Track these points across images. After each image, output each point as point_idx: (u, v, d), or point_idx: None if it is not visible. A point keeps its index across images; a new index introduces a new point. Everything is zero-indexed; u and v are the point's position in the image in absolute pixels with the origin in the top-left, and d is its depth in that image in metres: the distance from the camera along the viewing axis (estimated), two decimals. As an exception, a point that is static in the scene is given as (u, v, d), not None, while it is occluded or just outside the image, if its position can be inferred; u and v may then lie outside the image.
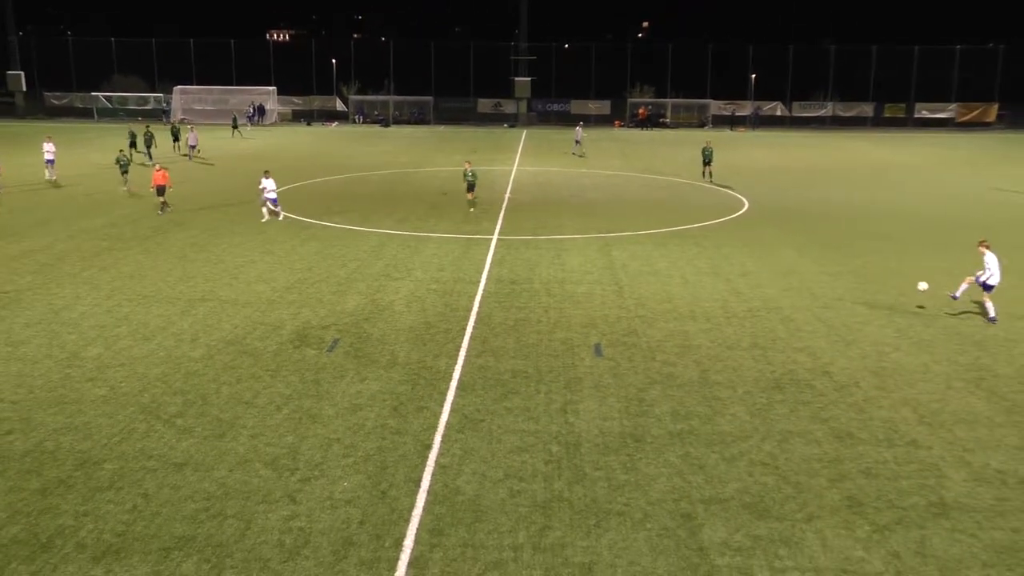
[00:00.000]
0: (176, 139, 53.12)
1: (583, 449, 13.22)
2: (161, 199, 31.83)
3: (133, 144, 48.68)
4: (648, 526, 11.07)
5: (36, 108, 76.73)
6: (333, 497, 11.73)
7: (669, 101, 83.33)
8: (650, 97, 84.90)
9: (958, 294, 20.11)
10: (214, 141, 54.29)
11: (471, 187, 33.45)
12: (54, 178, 38.77)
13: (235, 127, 62.90)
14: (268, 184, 29.99)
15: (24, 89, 76.01)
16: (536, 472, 12.48)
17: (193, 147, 49.78)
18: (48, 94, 78.39)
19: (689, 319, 19.90)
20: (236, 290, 21.87)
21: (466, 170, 33.76)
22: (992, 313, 19.77)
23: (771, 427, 14.05)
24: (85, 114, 76.21)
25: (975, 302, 20.71)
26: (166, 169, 32.46)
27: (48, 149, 38.67)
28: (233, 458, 12.80)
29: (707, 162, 42.43)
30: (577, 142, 56.36)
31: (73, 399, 14.92)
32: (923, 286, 20.39)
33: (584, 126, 61.08)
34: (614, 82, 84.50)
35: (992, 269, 19.50)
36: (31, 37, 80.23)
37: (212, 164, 47.47)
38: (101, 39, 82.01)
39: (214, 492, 11.81)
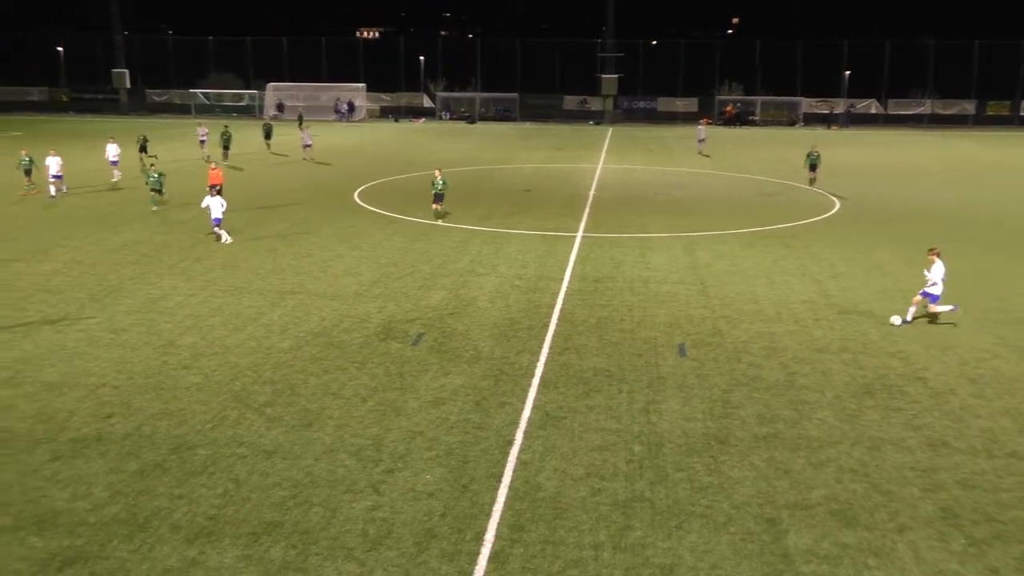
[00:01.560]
0: (268, 137, 51.94)
1: (665, 450, 13.10)
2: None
3: (268, 136, 50.74)
4: (731, 530, 10.91)
5: (138, 104, 79.63)
6: (416, 489, 11.88)
7: (758, 99, 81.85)
8: (738, 94, 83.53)
9: (909, 318, 19.31)
10: (284, 137, 55.23)
11: (439, 197, 30.21)
12: (117, 179, 38.21)
13: (300, 124, 63.18)
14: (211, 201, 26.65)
15: (128, 86, 78.93)
16: (617, 471, 12.42)
17: (308, 146, 48.20)
18: (149, 91, 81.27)
19: (776, 320, 19.52)
20: (324, 283, 22.32)
21: (435, 178, 30.30)
22: (909, 317, 19.20)
23: (861, 433, 13.68)
24: (183, 110, 78.78)
25: (1082, 309, 19.78)
26: (221, 168, 32.15)
27: (112, 151, 38.66)
28: (319, 447, 13.08)
29: (812, 167, 38.84)
30: (701, 140, 54.74)
31: (169, 386, 15.45)
32: (896, 320, 19.38)
33: (707, 124, 59.77)
34: (701, 79, 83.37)
35: (935, 278, 18.87)
36: (135, 36, 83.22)
37: (329, 164, 46.46)
38: (199, 38, 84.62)
39: (301, 480, 12.09)
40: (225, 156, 44.86)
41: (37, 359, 16.68)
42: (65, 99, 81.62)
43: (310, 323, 19.06)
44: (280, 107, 77.30)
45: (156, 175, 30.98)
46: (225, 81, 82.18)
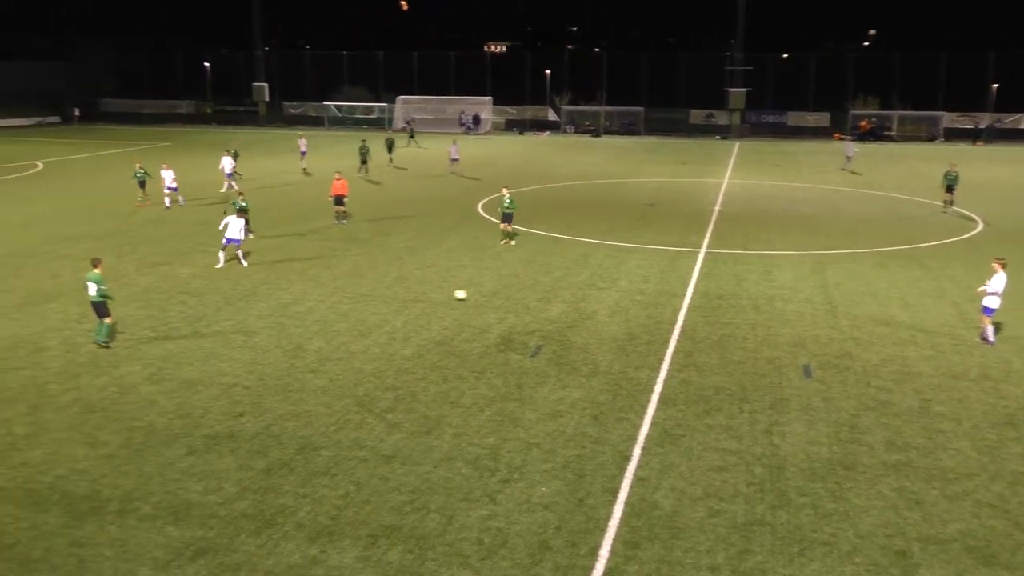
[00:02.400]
0: (390, 150, 51.57)
1: (788, 473, 12.71)
2: (340, 208, 31.83)
3: (391, 150, 50.91)
4: (856, 560, 10.49)
5: (275, 117, 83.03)
6: (531, 501, 11.91)
7: (895, 113, 78.71)
8: (874, 108, 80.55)
9: (992, 338, 18.51)
10: (410, 151, 56.47)
11: (507, 217, 28.80)
12: (232, 189, 38.61)
13: (411, 136, 63.75)
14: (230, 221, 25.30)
15: (267, 99, 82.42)
16: (737, 493, 12.13)
17: (455, 160, 47.62)
18: (286, 104, 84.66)
19: (910, 344, 18.69)
20: (446, 293, 22.68)
21: (503, 197, 29.17)
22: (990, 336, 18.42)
23: (1002, 466, 12.93)
24: (317, 122, 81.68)
25: None
26: (345, 179, 32.41)
27: (227, 163, 39.64)
28: (438, 455, 13.28)
29: (949, 188, 36.30)
30: (848, 157, 52.21)
31: (297, 388, 16.00)
32: (461, 294, 19.89)
33: (855, 140, 57.36)
34: (834, 93, 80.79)
35: (994, 289, 18.04)
36: (275, 52, 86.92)
37: (477, 179, 44.78)
38: (334, 52, 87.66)
39: (419, 486, 12.30)
40: (362, 170, 44.84)
41: (177, 357, 17.57)
42: (209, 112, 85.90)
43: (432, 332, 19.40)
44: (409, 120, 79.20)
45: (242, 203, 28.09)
46: (357, 94, 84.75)
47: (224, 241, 25.09)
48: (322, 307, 21.28)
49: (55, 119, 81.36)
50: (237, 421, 14.51)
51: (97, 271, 17.89)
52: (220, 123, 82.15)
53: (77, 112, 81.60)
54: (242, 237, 25.24)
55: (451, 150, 48.70)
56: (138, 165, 36.38)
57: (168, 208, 34.52)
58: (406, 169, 48.36)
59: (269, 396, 15.60)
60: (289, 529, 11.18)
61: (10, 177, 44.79)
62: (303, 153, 48.50)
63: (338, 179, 31.95)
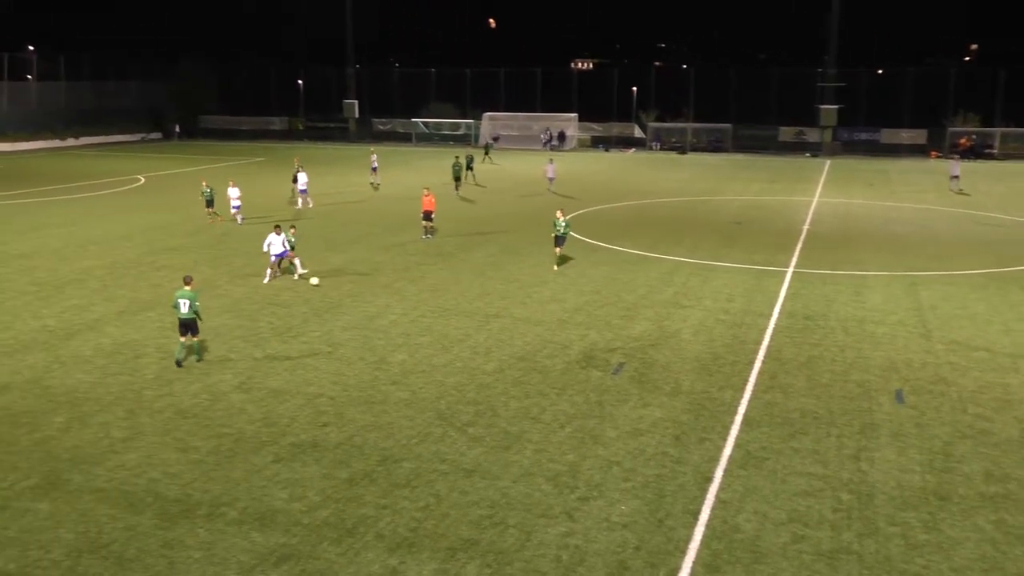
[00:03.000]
0: (469, 167, 49.73)
1: (877, 501, 12.32)
2: (427, 223, 32.04)
3: (470, 167, 49.64)
4: (949, 594, 10.09)
5: (365, 133, 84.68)
6: (610, 519, 11.82)
7: (997, 130, 75.86)
8: (974, 126, 77.78)
9: None
10: (481, 166, 56.81)
11: (560, 240, 27.46)
12: (310, 206, 39.47)
13: (487, 153, 63.41)
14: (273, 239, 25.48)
15: (357, 116, 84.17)
16: (823, 519, 11.81)
17: (552, 179, 46.52)
18: (375, 120, 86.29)
19: (1011, 371, 17.94)
20: (528, 308, 22.75)
21: (557, 220, 27.70)
22: None
23: (1107, 501, 12.29)
24: (405, 138, 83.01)
25: None
26: (433, 195, 32.66)
27: (302, 180, 39.80)
28: (517, 470, 13.30)
29: None
30: (954, 177, 48.73)
31: (379, 400, 16.24)
32: (315, 280, 19.74)
33: (959, 158, 54.48)
34: (932, 110, 78.29)
35: None
36: (365, 69, 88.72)
37: (572, 197, 43.54)
38: (422, 70, 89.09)
39: (498, 501, 12.33)
40: (457, 187, 44.60)
41: (265, 367, 18.03)
42: (301, 127, 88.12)
43: (513, 347, 19.47)
44: (495, 137, 79.82)
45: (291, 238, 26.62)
46: (444, 111, 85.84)
47: (272, 259, 25.27)
48: (406, 320, 21.57)
49: (157, 135, 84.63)
50: (322, 431, 14.80)
51: (190, 288, 17.94)
52: (312, 139, 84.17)
53: (178, 128, 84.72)
54: (287, 249, 25.39)
55: (547, 169, 47.52)
56: (204, 183, 36.99)
57: (240, 224, 34.61)
58: (484, 187, 48.03)
59: (353, 407, 15.87)
60: (369, 539, 11.33)
61: (114, 191, 46.74)
62: (374, 168, 49.21)
63: (427, 195, 32.38)
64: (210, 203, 35.42)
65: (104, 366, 18.09)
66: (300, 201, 39.93)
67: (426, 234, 32.22)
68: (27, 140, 73.04)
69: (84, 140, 77.26)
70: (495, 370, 17.94)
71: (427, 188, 33.41)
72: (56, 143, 75.05)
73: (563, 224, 27.44)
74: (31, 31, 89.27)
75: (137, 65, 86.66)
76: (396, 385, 17.04)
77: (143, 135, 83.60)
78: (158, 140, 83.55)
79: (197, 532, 11.51)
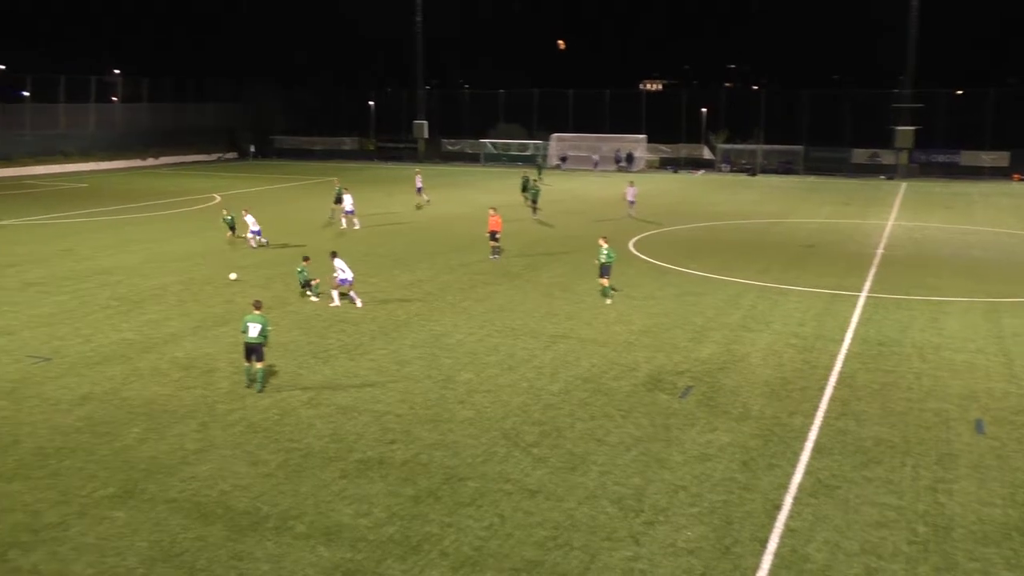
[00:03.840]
0: (525, 189, 48.39)
1: (955, 534, 11.93)
2: (494, 243, 32.07)
3: (526, 188, 48.83)
4: (1032, 634, 9.70)
5: (433, 153, 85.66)
6: (676, 545, 11.66)
7: (1086, 153, 73.22)
8: (1060, 148, 75.20)
9: None
10: (555, 187, 56.62)
11: (606, 270, 25.73)
12: (356, 227, 39.44)
13: (539, 173, 62.25)
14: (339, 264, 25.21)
15: (426, 136, 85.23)
16: (897, 551, 11.48)
17: (632, 203, 44.44)
18: (444, 140, 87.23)
19: (1097, 402, 17.24)
20: (595, 329, 22.66)
21: (601, 248, 25.81)
22: None
23: None
24: (473, 159, 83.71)
25: None
26: (499, 215, 32.66)
27: (348, 201, 39.63)
28: (582, 492, 13.22)
29: None
30: None
31: (446, 418, 16.33)
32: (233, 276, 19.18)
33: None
34: (1016, 131, 75.90)
35: None
36: (435, 91, 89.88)
37: (653, 222, 42.33)
38: (491, 91, 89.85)
39: (562, 522, 12.27)
40: (534, 211, 43.86)
41: (334, 383, 18.29)
42: (372, 148, 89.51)
43: (579, 368, 19.40)
44: (563, 158, 79.96)
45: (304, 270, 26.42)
46: (512, 131, 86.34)
47: (338, 282, 24.97)
48: (472, 340, 21.67)
49: (233, 155, 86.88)
50: (388, 448, 14.93)
51: (259, 313, 17.89)
52: (382, 159, 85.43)
53: (253, 149, 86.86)
54: (351, 276, 25.00)
55: (627, 192, 45.16)
56: (224, 210, 36.69)
57: (254, 248, 33.97)
58: (541, 208, 45.83)
59: (419, 425, 15.98)
60: (434, 557, 11.37)
61: (191, 208, 48.07)
62: (419, 188, 49.33)
63: (493, 215, 32.57)
64: (232, 228, 35.10)
65: (179, 379, 18.56)
66: (345, 221, 39.90)
67: (493, 254, 32.37)
68: (111, 160, 75.70)
69: (164, 159, 79.74)
70: (561, 391, 17.90)
71: (493, 208, 33.56)
72: (137, 162, 77.59)
73: (605, 252, 25.54)
74: (118, 55, 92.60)
75: (215, 87, 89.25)
76: (462, 404, 17.12)
77: (219, 155, 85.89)
78: (233, 160, 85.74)
79: (266, 545, 11.69)
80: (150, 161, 78.71)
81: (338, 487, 13.40)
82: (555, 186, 58.54)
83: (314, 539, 11.84)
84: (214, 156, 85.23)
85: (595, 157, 78.05)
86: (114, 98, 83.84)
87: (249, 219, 35.07)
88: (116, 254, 33.26)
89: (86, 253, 33.37)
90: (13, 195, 54.27)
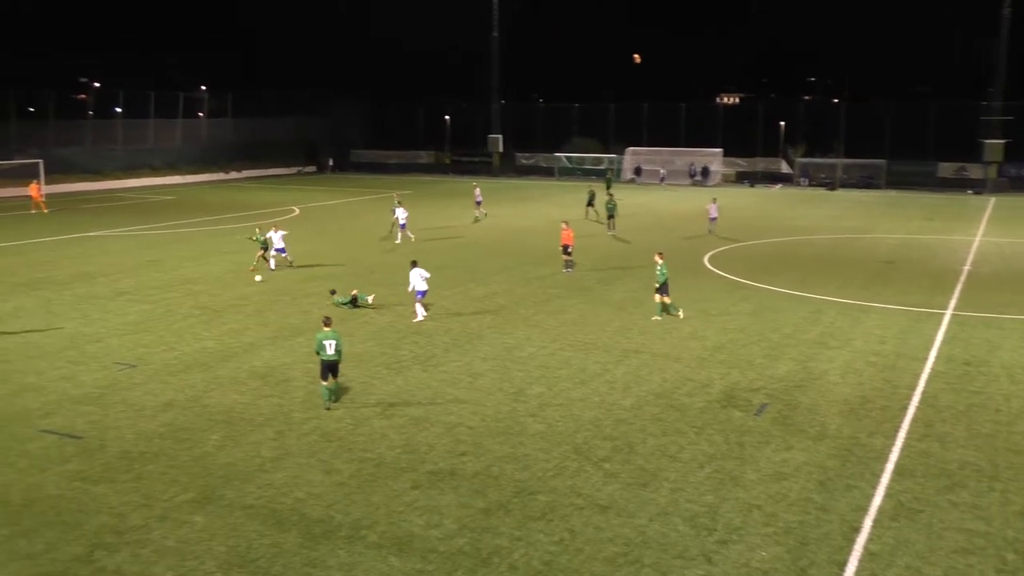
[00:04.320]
0: (590, 204, 49.16)
1: (1045, 564, 11.44)
2: (567, 257, 32.04)
3: (591, 202, 49.46)
4: None
5: (508, 167, 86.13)
6: (749, 565, 11.45)
7: None
8: None
9: None
10: (630, 201, 56.11)
11: (663, 288, 25.03)
12: (412, 239, 39.42)
13: (608, 187, 61.46)
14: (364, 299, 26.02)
15: (500, 150, 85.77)
16: (983, 580, 11.05)
17: (714, 219, 43.01)
18: (519, 154, 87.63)
19: None
20: (668, 344, 22.44)
21: (658, 264, 25.00)
22: None
23: None
24: (547, 172, 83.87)
25: None
26: (571, 229, 32.64)
27: (401, 215, 39.63)
28: (654, 508, 13.08)
29: None
30: None
31: (516, 431, 16.34)
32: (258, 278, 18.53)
33: None
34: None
35: None
36: (509, 104, 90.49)
37: (728, 237, 41.47)
38: (565, 105, 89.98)
39: (633, 539, 12.15)
40: (610, 226, 42.99)
41: (407, 394, 18.47)
42: (447, 162, 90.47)
43: (652, 383, 19.23)
44: (638, 171, 79.59)
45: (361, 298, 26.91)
46: (586, 145, 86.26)
47: (417, 295, 25.09)
48: (544, 353, 21.66)
49: (311, 168, 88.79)
50: (459, 459, 15.00)
51: (331, 329, 17.72)
52: (457, 173, 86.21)
53: (331, 162, 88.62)
54: (427, 288, 25.09)
55: (710, 208, 43.51)
56: (257, 229, 34.58)
57: (272, 270, 32.54)
58: (604, 224, 45.36)
59: (490, 437, 16.03)
60: (503, 570, 11.36)
61: (269, 221, 49.19)
62: (478, 202, 49.24)
63: (565, 228, 32.57)
64: (264, 248, 33.12)
65: (257, 388, 18.98)
66: (400, 236, 39.87)
67: (566, 267, 32.33)
68: (196, 173, 78.15)
69: (245, 173, 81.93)
70: (633, 406, 17.76)
71: (565, 222, 33.55)
72: (221, 176, 79.88)
73: (659, 269, 24.78)
74: (204, 71, 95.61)
75: (297, 102, 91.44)
76: (533, 417, 17.11)
77: (299, 168, 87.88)
78: (312, 173, 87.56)
79: (338, 553, 11.85)
80: (233, 175, 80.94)
81: (410, 497, 13.52)
82: (627, 200, 58.15)
83: (386, 549, 11.95)
84: (294, 169, 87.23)
85: (662, 171, 77.17)
86: (200, 114, 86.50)
87: (276, 236, 33.40)
88: (200, 264, 34.23)
89: (172, 264, 34.42)
90: (105, 207, 56.37)
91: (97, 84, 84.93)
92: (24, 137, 68.82)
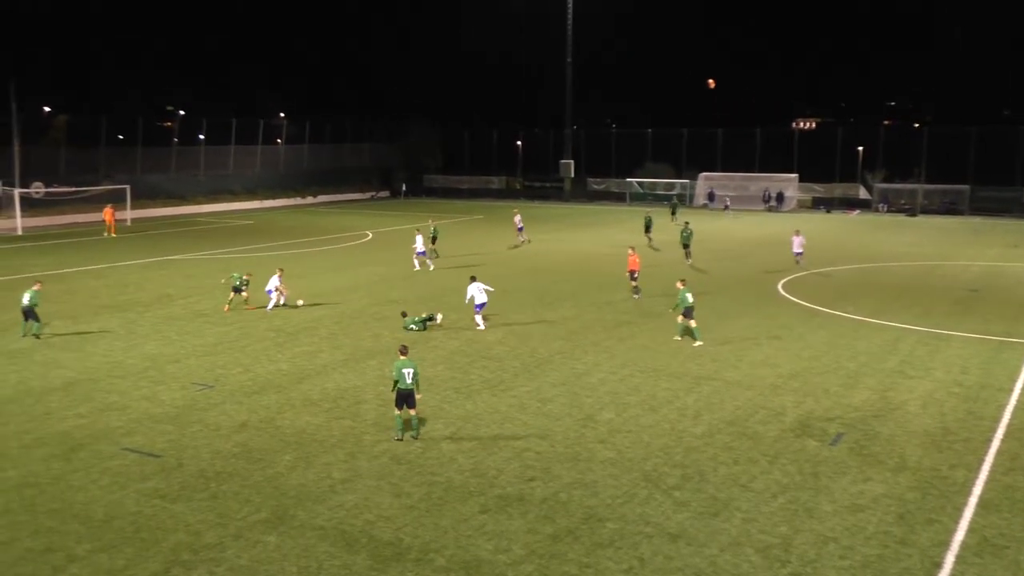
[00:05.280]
0: (648, 230, 49.30)
1: None
2: (633, 283, 32.07)
3: (649, 228, 49.53)
4: None
5: (579, 192, 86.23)
6: (824, 600, 11.13)
7: None
8: None
9: None
10: (702, 226, 55.26)
11: (688, 312, 25.29)
12: (431, 267, 39.27)
13: (673, 213, 60.67)
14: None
15: (572, 175, 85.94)
16: (1073, 622, 10.55)
17: (799, 253, 40.16)
18: (590, 179, 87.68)
19: None
20: (740, 372, 22.09)
21: (680, 289, 25.53)
22: None
23: None
24: (619, 198, 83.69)
25: None
26: (638, 255, 32.76)
27: (419, 241, 39.30)
28: (725, 538, 12.84)
29: None
30: None
31: (585, 457, 16.24)
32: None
33: None
34: None
35: None
36: (582, 130, 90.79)
37: (811, 267, 39.76)
38: (639, 130, 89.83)
39: (704, 569, 11.94)
40: (687, 255, 41.57)
41: (476, 418, 18.53)
42: (519, 187, 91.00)
43: (723, 411, 18.93)
44: (711, 196, 78.88)
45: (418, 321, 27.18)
46: (660, 171, 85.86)
47: (476, 308, 26.88)
48: (614, 379, 21.52)
49: (385, 193, 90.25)
50: (528, 484, 14.96)
51: (407, 358, 17.56)
52: (528, 198, 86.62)
53: (404, 187, 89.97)
54: (486, 300, 27.00)
55: (793, 242, 40.63)
56: (235, 274, 32.01)
57: (268, 311, 30.27)
58: (659, 250, 45.64)
59: (558, 463, 15.96)
60: (571, 597, 11.27)
61: (345, 245, 50.10)
62: (520, 228, 49.16)
63: (632, 254, 32.64)
64: (237, 290, 30.81)
65: (329, 409, 19.26)
66: (417, 263, 39.40)
67: (636, 293, 32.16)
68: (274, 198, 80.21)
69: (321, 198, 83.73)
70: (704, 434, 17.50)
71: (632, 247, 33.51)
72: (297, 200, 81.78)
73: (680, 295, 25.29)
74: (283, 98, 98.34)
75: (372, 128, 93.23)
76: (602, 443, 16.99)
77: (372, 193, 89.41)
78: (386, 198, 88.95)
79: None
80: (308, 199, 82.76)
81: (478, 522, 13.52)
82: (697, 227, 57.63)
83: (454, 572, 11.96)
84: (368, 195, 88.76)
85: (727, 199, 75.73)
86: (279, 140, 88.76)
87: (274, 279, 31.05)
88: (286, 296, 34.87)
89: (250, 286, 35.12)
90: (187, 231, 58.15)
91: (182, 112, 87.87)
92: (113, 163, 71.53)
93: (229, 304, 30.64)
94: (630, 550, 12.53)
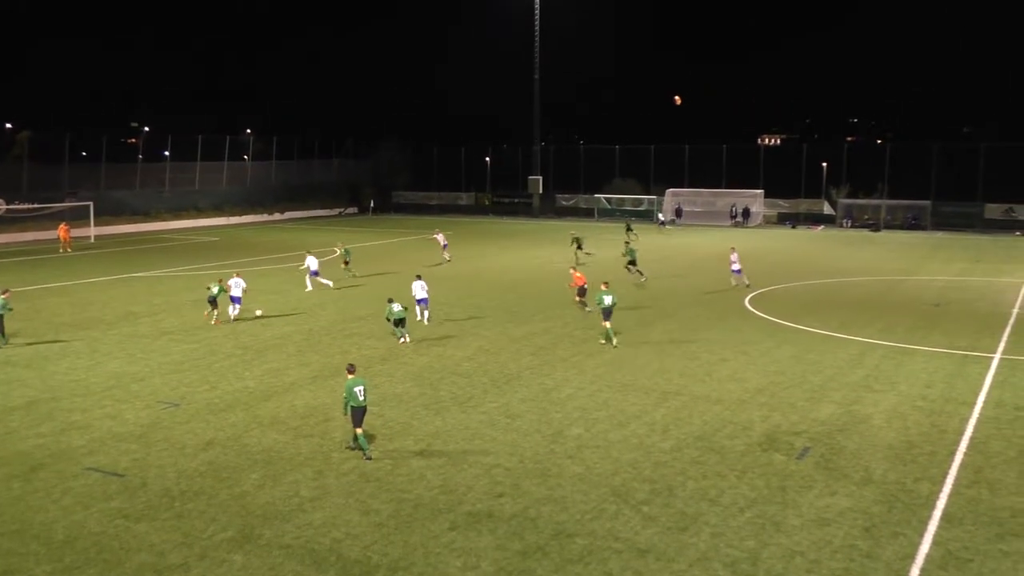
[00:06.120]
0: (579, 247, 49.01)
1: (1101, 617, 11.04)
2: (581, 299, 32.29)
3: (580, 246, 48.69)
4: None
5: (548, 208, 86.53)
6: (792, 613, 11.19)
7: None
8: None
9: None
10: (675, 240, 55.74)
11: (607, 314, 26.80)
12: (330, 284, 38.09)
13: (628, 231, 60.33)
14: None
15: (540, 191, 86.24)
16: (1036, 633, 10.69)
17: (739, 272, 38.44)
18: (559, 195, 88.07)
19: None
20: (708, 386, 22.22)
21: (602, 291, 27.04)
22: None
23: None
24: (588, 213, 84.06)
25: None
26: (581, 274, 33.31)
27: (311, 262, 38.07)
28: (693, 553, 12.88)
29: None
30: None
31: (554, 473, 16.23)
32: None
33: None
34: None
35: None
36: (551, 146, 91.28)
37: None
38: (606, 146, 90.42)
39: (673, 584, 11.94)
40: (635, 272, 40.49)
41: (445, 435, 18.46)
42: (488, 203, 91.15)
43: (692, 426, 19.03)
44: (678, 212, 79.47)
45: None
46: (627, 187, 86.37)
47: (418, 302, 29.37)
48: (582, 394, 21.56)
49: (353, 210, 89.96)
50: (496, 501, 14.92)
51: (355, 376, 17.35)
52: (497, 214, 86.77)
53: (372, 204, 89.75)
54: (426, 296, 29.72)
55: (732, 258, 39.02)
56: (209, 285, 31.39)
57: (231, 321, 30.73)
58: (584, 264, 43.67)
59: (528, 479, 15.93)
60: (540, 614, 11.23)
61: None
62: (444, 245, 49.07)
63: (574, 272, 33.87)
64: (213, 302, 30.55)
65: (297, 427, 19.09)
66: (310, 283, 38.01)
67: (584, 307, 32.08)
68: (241, 215, 79.56)
69: (288, 214, 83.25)
70: (672, 448, 17.57)
71: (574, 267, 34.72)
72: (264, 217, 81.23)
73: (599, 296, 26.96)
74: (249, 113, 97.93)
75: (339, 145, 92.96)
76: (571, 459, 16.99)
77: (341, 209, 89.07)
78: (354, 215, 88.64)
79: (374, 594, 11.79)
80: (276, 216, 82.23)
81: (447, 539, 13.45)
82: (662, 243, 58.02)
83: (422, 590, 11.88)
84: (336, 211, 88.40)
85: (660, 217, 75.03)
86: (245, 156, 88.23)
87: (235, 283, 31.11)
88: (243, 304, 34.53)
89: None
90: (152, 248, 57.54)
91: (147, 128, 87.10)
92: (77, 180, 70.64)
93: (208, 314, 30.75)
94: (599, 566, 12.52)
